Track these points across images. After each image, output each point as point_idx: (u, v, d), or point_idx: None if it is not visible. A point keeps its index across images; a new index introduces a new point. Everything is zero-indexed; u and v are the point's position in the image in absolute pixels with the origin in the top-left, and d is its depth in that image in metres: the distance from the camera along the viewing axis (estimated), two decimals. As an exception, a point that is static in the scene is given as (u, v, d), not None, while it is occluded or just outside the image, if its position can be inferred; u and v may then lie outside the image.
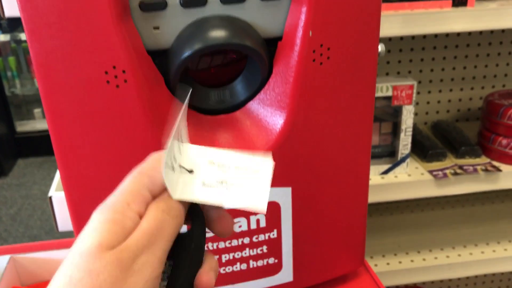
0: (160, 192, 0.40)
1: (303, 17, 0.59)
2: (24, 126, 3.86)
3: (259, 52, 0.61)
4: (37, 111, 3.86)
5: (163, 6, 0.58)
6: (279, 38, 0.64)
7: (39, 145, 3.71)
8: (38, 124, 3.84)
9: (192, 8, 0.59)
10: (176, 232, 0.39)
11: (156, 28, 0.60)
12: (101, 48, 0.56)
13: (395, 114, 1.31)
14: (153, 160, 0.41)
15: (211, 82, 0.68)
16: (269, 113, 0.65)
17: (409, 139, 1.31)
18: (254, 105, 0.67)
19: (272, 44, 0.64)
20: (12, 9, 0.86)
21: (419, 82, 1.57)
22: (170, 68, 0.61)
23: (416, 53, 1.53)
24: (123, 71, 0.57)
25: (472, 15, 1.16)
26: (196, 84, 0.67)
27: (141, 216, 0.37)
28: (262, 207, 0.44)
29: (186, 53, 0.59)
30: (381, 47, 0.68)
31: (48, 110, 0.59)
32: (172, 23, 0.60)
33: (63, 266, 0.35)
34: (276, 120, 0.65)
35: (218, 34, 0.59)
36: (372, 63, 0.67)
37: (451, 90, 1.61)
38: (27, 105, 3.91)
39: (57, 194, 1.00)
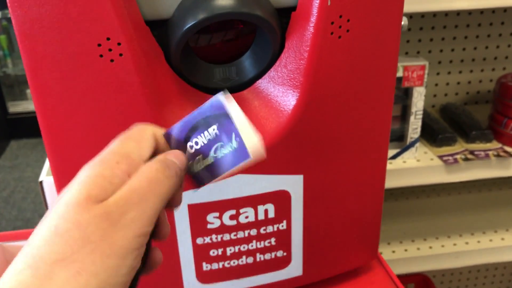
0: (147, 159, 0.38)
1: (321, -19, 0.52)
2: (16, 107, 3.77)
3: (270, 23, 0.54)
4: (30, 91, 3.78)
5: (163, -30, 0.52)
6: (293, 8, 0.57)
7: (32, 127, 3.62)
8: (31, 105, 3.75)
9: (195, -28, 0.52)
10: (171, 193, 0.38)
11: (156, -5, 0.53)
12: (93, 17, 0.49)
13: (404, 97, 1.25)
14: (139, 129, 0.40)
15: (216, 58, 0.61)
16: (280, 92, 0.59)
17: (419, 123, 1.25)
18: (263, 84, 0.60)
19: (285, 15, 0.57)
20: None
21: (418, 52, 1.51)
22: (170, 41, 0.54)
23: (426, 32, 1.46)
24: (118, 44, 0.50)
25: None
26: (198, 60, 0.60)
27: (130, 176, 0.36)
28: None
29: (189, 24, 0.52)
30: (404, 20, 0.61)
31: (34, 87, 0.53)
32: (174, -11, 0.53)
33: (48, 217, 0.33)
34: (288, 100, 0.58)
35: (224, 1, 0.52)
36: (395, 37, 0.60)
37: (460, 72, 1.55)
38: (19, 85, 3.82)
39: (48, 179, 0.94)
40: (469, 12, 1.44)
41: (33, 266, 0.31)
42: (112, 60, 0.51)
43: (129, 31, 0.50)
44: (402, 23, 0.61)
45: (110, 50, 0.51)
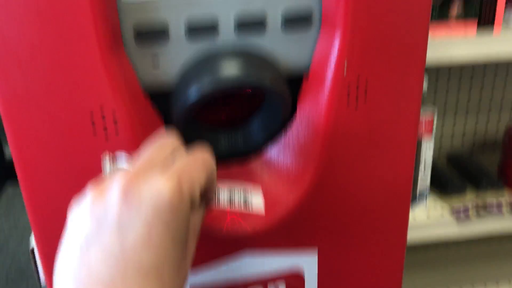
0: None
1: (336, 42, 0.48)
2: (12, 151, 3.72)
3: (280, 94, 0.49)
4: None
5: (164, 36, 0.47)
6: (305, 74, 0.52)
7: (28, 171, 3.56)
8: (28, 148, 3.70)
9: (200, 38, 0.48)
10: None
11: (156, 65, 0.48)
12: (85, 85, 0.44)
13: (412, 147, 1.20)
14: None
15: (221, 123, 0.56)
16: (291, 162, 0.54)
17: (428, 175, 1.19)
18: (272, 152, 0.55)
19: (296, 80, 0.53)
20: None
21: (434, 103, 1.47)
22: (172, 114, 0.49)
23: (430, 82, 1.42)
24: (112, 112, 0.45)
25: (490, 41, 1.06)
26: (202, 125, 0.55)
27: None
28: None
29: (192, 98, 0.47)
30: (425, 83, 0.57)
31: (19, 161, 0.48)
32: (176, 58, 0.48)
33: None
34: (300, 171, 0.53)
35: (230, 72, 0.48)
36: (415, 102, 0.55)
37: (466, 119, 1.51)
38: (16, 128, 3.79)
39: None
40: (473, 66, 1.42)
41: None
42: (105, 129, 0.46)
43: (124, 100, 0.45)
44: (424, 86, 0.56)
45: (103, 117, 0.46)
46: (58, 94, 0.44)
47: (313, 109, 0.51)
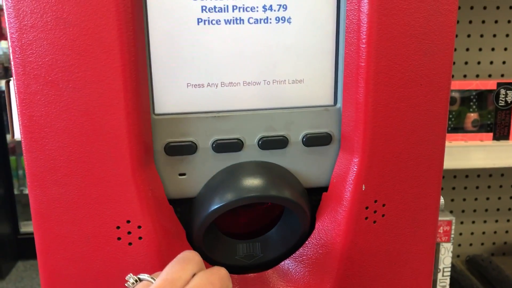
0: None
1: (354, 168, 0.50)
2: (28, 227, 3.72)
3: (300, 206, 0.51)
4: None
5: (192, 150, 0.50)
6: (324, 189, 0.54)
7: (41, 248, 3.55)
8: (43, 225, 3.71)
9: (225, 153, 0.51)
10: None
11: (182, 174, 0.51)
12: (114, 199, 0.46)
13: (430, 250, 1.18)
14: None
15: (240, 233, 0.58)
16: (309, 275, 0.54)
17: (448, 281, 1.17)
18: (290, 264, 0.56)
19: (315, 193, 0.55)
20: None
21: (451, 212, 1.46)
22: (194, 221, 0.51)
23: (447, 180, 1.43)
24: (139, 227, 0.47)
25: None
26: (221, 235, 0.56)
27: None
28: None
29: (215, 205, 0.49)
30: (442, 200, 0.58)
31: (44, 265, 0.49)
32: (201, 169, 0.51)
33: None
34: (317, 286, 0.53)
35: (253, 184, 0.50)
36: (433, 217, 0.56)
37: (485, 221, 1.49)
38: (34, 205, 3.82)
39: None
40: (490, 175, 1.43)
41: None
42: (130, 244, 0.47)
43: (151, 214, 0.47)
44: (440, 202, 0.58)
45: (129, 233, 0.47)
46: (88, 205, 0.46)
47: (332, 222, 0.52)
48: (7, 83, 0.66)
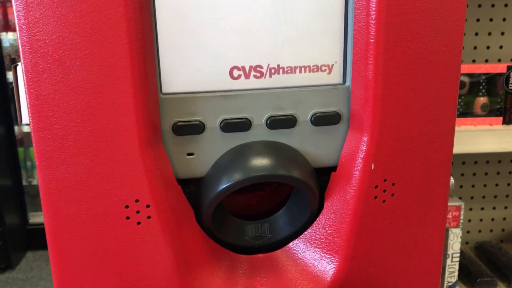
0: None
1: (363, 147, 0.50)
2: (37, 218, 3.76)
3: (309, 185, 0.51)
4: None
5: (200, 129, 0.50)
6: (333, 168, 0.54)
7: (50, 238, 3.58)
8: (52, 216, 3.74)
9: (233, 132, 0.50)
10: None
11: (190, 154, 0.51)
12: (123, 178, 0.46)
13: (439, 236, 1.18)
14: None
15: (248, 214, 0.57)
16: (317, 256, 0.54)
17: (456, 266, 1.16)
18: (299, 245, 0.55)
19: (323, 173, 0.54)
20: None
21: (460, 198, 1.45)
22: (202, 200, 0.51)
23: (456, 167, 1.42)
24: (147, 206, 0.47)
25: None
26: (230, 216, 0.56)
27: None
28: None
29: (223, 185, 0.49)
30: (452, 180, 0.57)
31: (53, 246, 0.49)
32: (209, 149, 0.51)
33: None
34: (326, 265, 0.53)
35: (261, 163, 0.50)
36: (443, 198, 0.56)
37: (494, 208, 1.48)
38: (43, 195, 3.85)
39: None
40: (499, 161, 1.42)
41: None
42: (139, 223, 0.47)
43: (159, 193, 0.47)
44: (451, 182, 0.57)
45: (137, 212, 0.47)
46: (96, 184, 0.46)
47: (341, 201, 0.52)
48: (14, 68, 0.66)
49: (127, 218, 0.47)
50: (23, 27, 0.43)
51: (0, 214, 3.23)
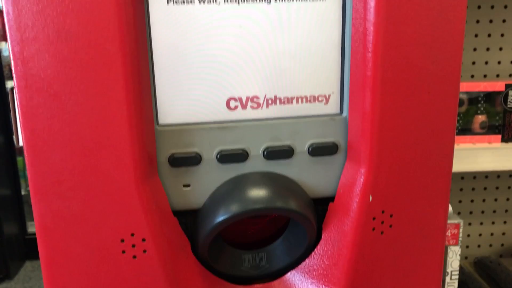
0: None
1: (361, 179, 0.49)
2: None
3: (306, 217, 0.50)
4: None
5: (197, 160, 0.49)
6: (331, 199, 0.53)
7: (49, 248, 3.57)
8: (50, 225, 3.73)
9: (230, 163, 0.50)
10: None
11: (187, 185, 0.50)
12: (118, 212, 0.46)
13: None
14: None
15: (245, 243, 0.57)
16: (315, 287, 0.53)
17: (456, 284, 1.16)
18: (296, 276, 0.55)
19: (321, 203, 0.54)
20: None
21: (458, 213, 1.45)
22: (199, 232, 0.50)
23: (455, 182, 1.42)
24: (143, 240, 0.47)
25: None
26: (226, 246, 0.56)
27: None
28: None
29: (221, 217, 0.48)
30: (450, 208, 0.57)
31: (49, 279, 0.48)
32: (206, 180, 0.50)
33: None
34: (324, 297, 0.52)
35: (259, 195, 0.49)
36: (441, 226, 0.55)
37: (493, 223, 1.48)
38: (41, 205, 3.84)
39: None
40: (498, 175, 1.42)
41: None
42: (134, 257, 0.47)
43: (155, 226, 0.47)
44: (449, 210, 0.57)
45: (133, 246, 0.47)
46: (92, 218, 0.46)
47: (338, 233, 0.52)
48: (12, 90, 0.65)
49: (123, 252, 0.47)
50: (18, 62, 0.42)
51: (-1, 224, 3.22)
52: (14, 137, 0.80)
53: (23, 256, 3.70)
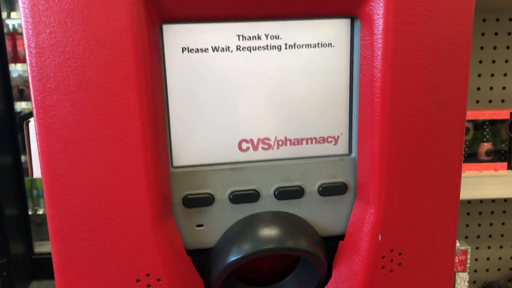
0: None
1: (370, 219, 0.51)
2: (42, 247, 3.75)
3: (317, 256, 0.51)
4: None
5: (210, 201, 0.51)
6: (341, 237, 0.55)
7: (55, 268, 3.58)
8: (57, 245, 3.74)
9: (242, 203, 0.52)
10: None
11: (200, 225, 0.52)
12: (134, 253, 0.47)
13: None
14: None
15: (256, 279, 0.58)
16: (325, 323, 0.54)
17: (464, 311, 1.16)
18: (307, 312, 0.56)
19: (331, 241, 0.55)
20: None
21: (466, 237, 1.45)
22: (212, 271, 0.52)
23: (461, 206, 1.42)
24: (158, 280, 0.48)
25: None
26: (238, 283, 0.57)
27: None
28: None
29: (233, 257, 0.50)
30: (458, 244, 0.58)
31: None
32: (219, 220, 0.52)
33: None
34: (334, 334, 0.53)
35: (270, 235, 0.50)
36: (449, 262, 0.56)
37: (501, 247, 1.48)
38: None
39: None
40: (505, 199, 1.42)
41: None
42: (150, 296, 0.48)
43: (170, 266, 0.48)
44: (456, 246, 0.58)
45: (149, 286, 0.48)
46: (109, 259, 0.47)
47: (348, 271, 0.53)
48: (27, 124, 0.68)
49: (138, 291, 0.48)
50: (40, 110, 0.44)
51: (6, 244, 3.23)
52: (29, 172, 0.81)
53: (29, 276, 3.70)
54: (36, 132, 0.45)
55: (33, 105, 0.45)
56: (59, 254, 0.48)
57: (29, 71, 0.44)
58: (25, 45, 0.43)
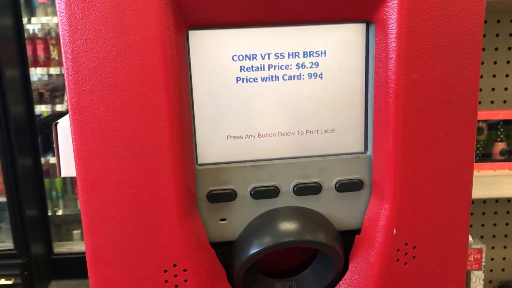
0: None
1: (385, 214, 0.53)
2: (61, 247, 3.82)
3: (334, 249, 0.54)
4: (76, 232, 3.84)
5: (232, 197, 0.54)
6: (357, 231, 0.57)
7: (75, 268, 3.64)
8: (76, 246, 3.80)
9: (263, 199, 0.54)
10: None
11: (223, 219, 0.55)
12: (162, 245, 0.50)
13: (461, 277, 1.19)
14: None
15: (276, 272, 0.61)
16: (342, 314, 0.57)
17: (479, 309, 1.17)
18: (325, 303, 0.58)
19: (348, 235, 0.58)
20: (69, 169, 0.84)
21: (481, 237, 1.46)
22: (234, 262, 0.55)
23: (477, 206, 1.43)
24: (184, 270, 0.51)
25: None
26: (259, 275, 0.60)
27: None
28: None
29: (254, 250, 0.53)
30: (470, 238, 0.60)
31: (97, 306, 0.53)
32: (241, 214, 0.55)
33: None
34: (351, 324, 0.56)
35: (290, 229, 0.53)
36: (462, 256, 0.58)
37: (516, 247, 1.48)
38: (67, 225, 3.91)
39: None
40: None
41: None
42: (176, 286, 0.51)
43: (195, 257, 0.51)
44: (469, 241, 0.60)
45: (175, 276, 0.51)
46: (138, 251, 0.50)
47: (364, 264, 0.55)
48: (55, 126, 0.71)
49: (166, 281, 0.51)
50: (76, 111, 0.48)
51: (26, 244, 3.30)
52: (57, 171, 0.85)
53: (49, 276, 3.77)
54: (71, 132, 0.49)
55: (69, 107, 0.48)
56: (92, 246, 0.51)
57: (65, 75, 0.47)
58: (62, 51, 0.47)
